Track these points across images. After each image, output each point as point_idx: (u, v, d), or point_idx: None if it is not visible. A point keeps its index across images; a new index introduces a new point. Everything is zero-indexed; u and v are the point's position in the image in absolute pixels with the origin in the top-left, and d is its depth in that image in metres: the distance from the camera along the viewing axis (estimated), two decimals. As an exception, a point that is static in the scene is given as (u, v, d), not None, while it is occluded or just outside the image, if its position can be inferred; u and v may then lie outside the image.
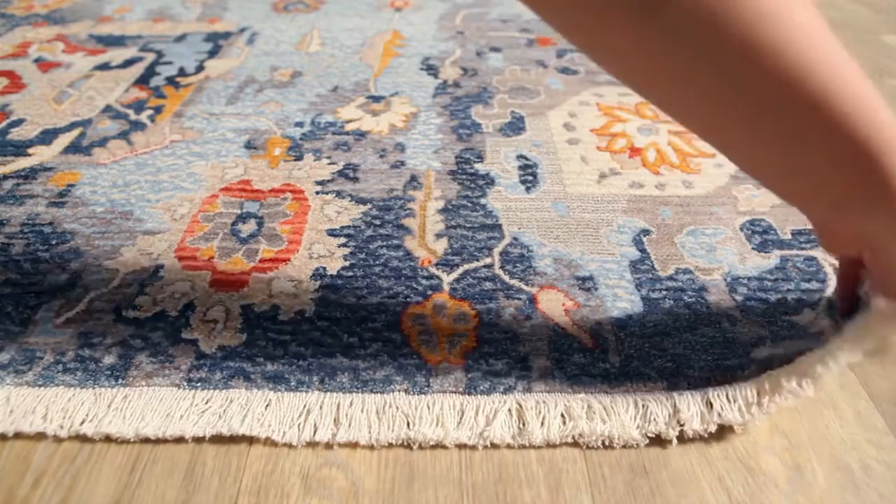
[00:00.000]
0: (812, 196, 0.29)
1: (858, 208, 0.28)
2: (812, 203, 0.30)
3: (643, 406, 0.36)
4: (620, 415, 0.35)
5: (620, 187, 0.54)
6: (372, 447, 0.35)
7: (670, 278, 0.45)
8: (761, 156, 0.29)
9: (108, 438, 0.35)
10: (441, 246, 0.47)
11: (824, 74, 0.25)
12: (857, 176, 0.26)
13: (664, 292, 0.43)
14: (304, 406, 0.36)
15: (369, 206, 0.52)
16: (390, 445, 0.35)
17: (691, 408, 0.36)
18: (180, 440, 0.35)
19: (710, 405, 0.36)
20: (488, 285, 0.44)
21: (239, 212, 0.51)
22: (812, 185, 0.28)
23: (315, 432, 0.35)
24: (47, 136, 0.61)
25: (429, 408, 0.36)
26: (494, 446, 0.35)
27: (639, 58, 0.27)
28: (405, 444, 0.35)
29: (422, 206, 0.52)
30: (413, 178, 0.55)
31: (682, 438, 0.35)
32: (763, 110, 0.26)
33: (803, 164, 0.27)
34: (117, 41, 0.82)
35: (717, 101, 0.27)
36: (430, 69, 0.74)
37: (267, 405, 0.36)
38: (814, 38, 0.26)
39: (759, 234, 0.49)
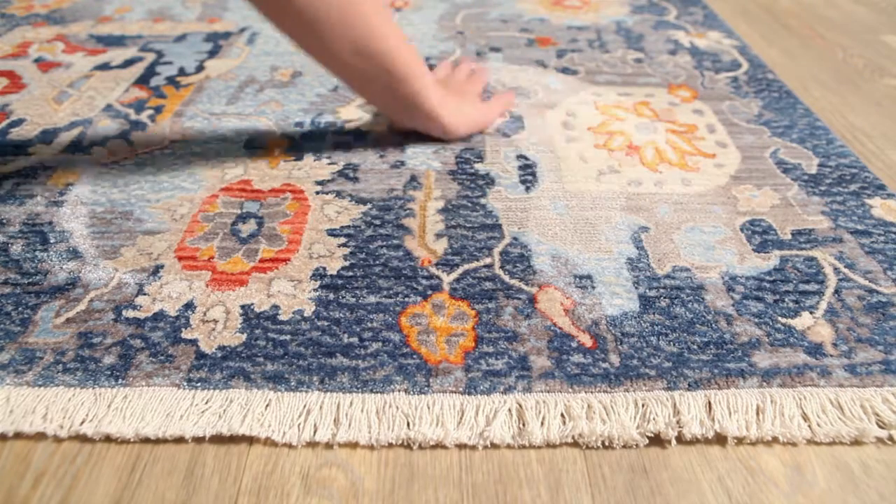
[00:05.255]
0: (397, 111, 0.57)
1: (412, 115, 0.57)
2: (397, 115, 0.58)
3: (643, 406, 0.36)
4: (620, 415, 0.36)
5: (619, 185, 0.54)
6: (372, 447, 0.35)
7: (668, 276, 0.45)
8: (368, 94, 0.56)
9: (108, 438, 0.35)
10: (441, 246, 0.47)
11: (392, 56, 0.50)
12: (411, 103, 0.55)
13: (662, 290, 0.43)
14: (304, 406, 0.36)
15: (369, 206, 0.52)
16: (390, 445, 0.35)
17: (691, 411, 0.36)
18: (180, 440, 0.35)
19: (709, 409, 0.36)
20: (488, 285, 0.44)
21: (239, 212, 0.51)
22: (397, 107, 0.56)
23: (315, 432, 0.35)
24: (47, 136, 0.61)
25: (429, 408, 0.36)
26: (494, 446, 0.35)
27: (286, 30, 0.48)
28: (405, 444, 0.35)
29: (422, 206, 0.52)
30: (413, 178, 0.55)
31: (682, 438, 0.35)
32: (364, 76, 0.52)
33: (391, 97, 0.54)
34: (117, 41, 0.82)
35: (340, 70, 0.51)
36: (430, 69, 0.74)
37: (267, 405, 0.36)
38: (384, 28, 0.49)
39: (759, 235, 0.49)
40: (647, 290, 0.44)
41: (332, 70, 0.51)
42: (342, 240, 0.48)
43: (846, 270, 0.45)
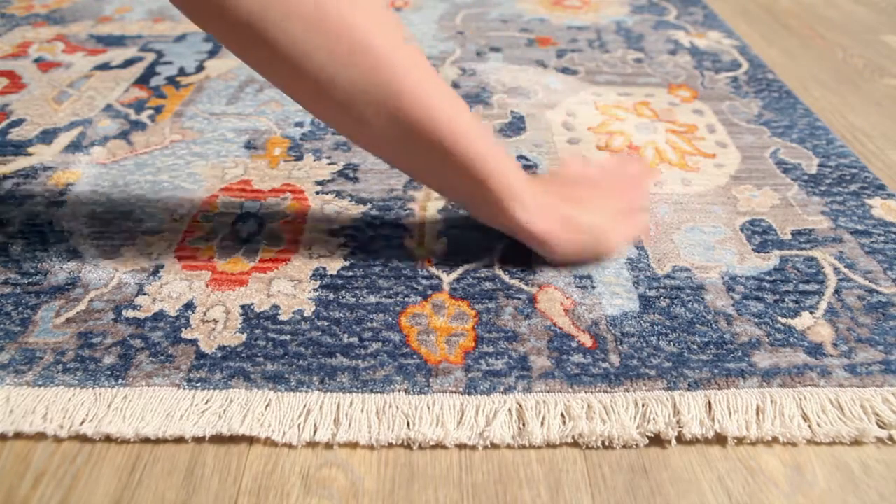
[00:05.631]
0: (465, 203, 0.44)
1: (488, 213, 0.42)
2: (467, 207, 0.45)
3: (643, 406, 0.36)
4: (620, 415, 0.35)
5: (620, 187, 0.54)
6: (372, 447, 0.35)
7: (668, 276, 0.45)
8: (426, 180, 0.44)
9: (108, 438, 0.35)
10: (441, 246, 0.47)
11: (450, 137, 0.36)
12: (483, 197, 0.40)
13: (662, 291, 0.43)
14: (304, 406, 0.36)
15: (369, 206, 0.52)
16: (390, 445, 0.35)
17: (691, 411, 0.36)
18: (180, 440, 0.35)
19: (709, 409, 0.36)
20: (488, 285, 0.44)
21: (239, 212, 0.51)
22: (460, 198, 0.44)
23: (315, 432, 0.35)
24: (47, 136, 0.61)
25: (429, 408, 0.36)
26: (494, 446, 0.35)
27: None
28: (405, 444, 0.35)
29: (422, 206, 0.52)
30: (413, 178, 0.55)
31: (682, 438, 0.35)
32: (414, 159, 0.39)
33: (449, 186, 0.42)
34: (117, 41, 0.82)
35: (388, 155, 0.40)
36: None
37: (267, 405, 0.36)
38: (439, 101, 0.36)
39: (759, 235, 0.49)
40: (647, 291, 0.43)
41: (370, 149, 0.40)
42: (342, 240, 0.48)
43: (846, 270, 0.45)
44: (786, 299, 0.43)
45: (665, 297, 0.43)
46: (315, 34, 0.32)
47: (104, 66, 0.75)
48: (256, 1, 0.30)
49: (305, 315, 0.42)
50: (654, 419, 0.35)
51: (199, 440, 0.35)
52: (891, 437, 0.35)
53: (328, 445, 0.35)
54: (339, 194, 0.53)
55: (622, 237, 0.45)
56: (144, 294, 0.43)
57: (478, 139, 0.38)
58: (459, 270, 0.45)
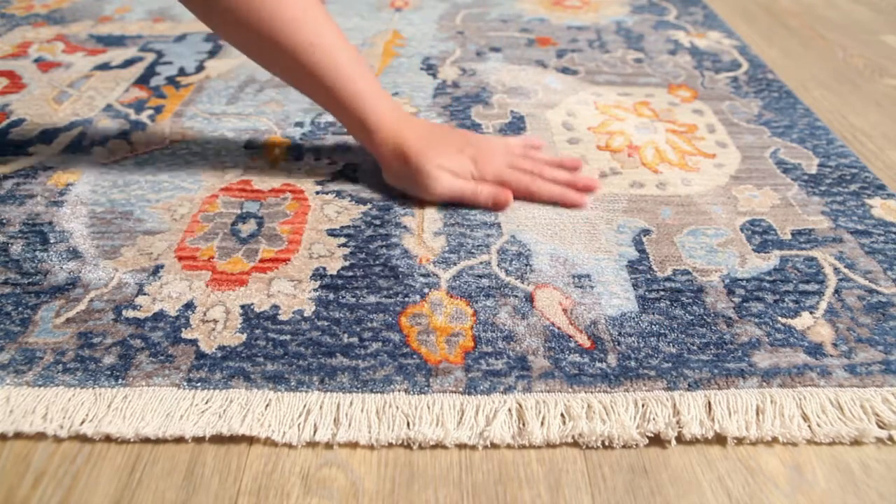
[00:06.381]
0: (351, 130, 0.53)
1: (365, 139, 0.52)
2: (352, 132, 0.53)
3: (643, 406, 0.36)
4: (620, 414, 0.35)
5: (621, 187, 0.54)
6: (372, 447, 0.35)
7: (668, 279, 0.45)
8: (319, 102, 0.52)
9: (108, 438, 0.35)
10: (439, 244, 0.47)
11: (330, 75, 0.48)
12: (359, 127, 0.51)
13: (661, 293, 0.43)
14: (304, 406, 0.36)
15: (369, 206, 0.52)
16: (390, 445, 0.35)
17: (691, 411, 0.36)
18: (180, 440, 0.35)
19: (709, 409, 0.36)
20: (485, 282, 0.44)
21: (239, 212, 0.51)
22: (347, 125, 0.52)
23: (315, 432, 0.35)
24: (47, 136, 0.61)
25: (429, 408, 0.36)
26: (494, 446, 0.35)
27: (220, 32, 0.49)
28: (405, 444, 0.35)
29: (421, 205, 0.52)
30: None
31: (682, 439, 0.35)
32: (302, 84, 0.50)
33: (339, 116, 0.51)
34: (117, 41, 0.82)
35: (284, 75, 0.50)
36: (430, 69, 0.74)
37: (267, 405, 0.36)
38: (322, 37, 0.47)
39: (759, 235, 0.49)
40: (647, 293, 0.43)
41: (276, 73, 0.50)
42: (342, 240, 0.48)
43: (846, 270, 0.45)
44: (786, 299, 0.43)
45: (665, 300, 0.43)
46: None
47: (104, 66, 0.75)
48: None
49: (305, 315, 0.42)
50: (653, 419, 0.35)
51: (199, 440, 0.35)
52: (891, 437, 0.35)
53: (328, 445, 0.35)
54: (339, 194, 0.53)
55: (444, 189, 0.50)
56: (144, 294, 0.43)
57: (358, 80, 0.49)
58: (457, 268, 0.45)
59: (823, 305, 0.43)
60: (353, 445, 0.35)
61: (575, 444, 0.35)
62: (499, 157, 0.53)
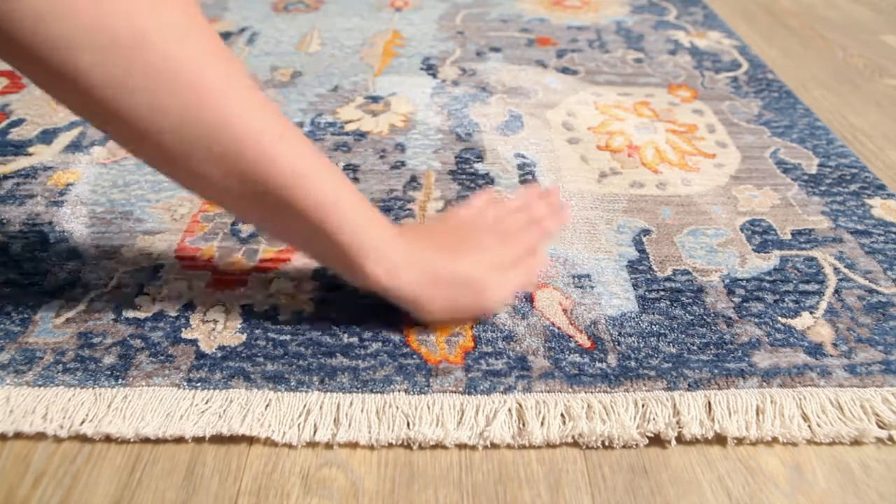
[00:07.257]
0: (321, 261, 0.41)
1: (343, 270, 0.38)
2: (325, 265, 0.42)
3: (643, 406, 0.36)
4: (620, 415, 0.35)
5: (621, 187, 0.54)
6: (372, 447, 0.35)
7: (668, 279, 0.45)
8: (274, 234, 0.40)
9: (108, 438, 0.35)
10: (441, 246, 0.47)
11: (291, 181, 0.32)
12: (334, 252, 0.36)
13: (661, 293, 0.43)
14: (304, 406, 0.36)
15: (369, 206, 0.52)
16: (390, 445, 0.35)
17: (691, 411, 0.36)
18: (180, 440, 0.35)
19: (709, 409, 0.36)
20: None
21: (239, 212, 0.51)
22: (315, 257, 0.40)
23: (315, 432, 0.35)
24: (47, 136, 0.61)
25: (429, 408, 0.36)
26: (494, 446, 0.35)
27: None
28: (405, 444, 0.35)
29: (421, 206, 0.52)
30: (413, 179, 0.55)
31: (682, 439, 0.35)
32: (254, 210, 0.34)
33: (301, 241, 0.37)
34: (117, 41, 0.82)
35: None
36: (430, 69, 0.74)
37: (267, 405, 0.36)
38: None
39: (759, 235, 0.49)
40: (647, 293, 0.43)
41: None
42: (342, 240, 0.48)
43: (846, 270, 0.45)
44: (786, 299, 0.43)
45: (665, 300, 0.43)
46: (134, 67, 0.27)
47: (104, 66, 0.75)
48: (57, 26, 0.25)
49: (305, 315, 0.42)
50: (654, 419, 0.35)
51: (199, 440, 0.35)
52: (891, 437, 0.35)
53: (328, 445, 0.35)
54: (339, 194, 0.53)
55: (504, 290, 0.39)
56: (144, 294, 0.43)
57: (324, 185, 0.33)
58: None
59: (823, 305, 0.43)
60: (353, 445, 0.35)
61: (575, 444, 0.35)
62: (483, 229, 0.41)
